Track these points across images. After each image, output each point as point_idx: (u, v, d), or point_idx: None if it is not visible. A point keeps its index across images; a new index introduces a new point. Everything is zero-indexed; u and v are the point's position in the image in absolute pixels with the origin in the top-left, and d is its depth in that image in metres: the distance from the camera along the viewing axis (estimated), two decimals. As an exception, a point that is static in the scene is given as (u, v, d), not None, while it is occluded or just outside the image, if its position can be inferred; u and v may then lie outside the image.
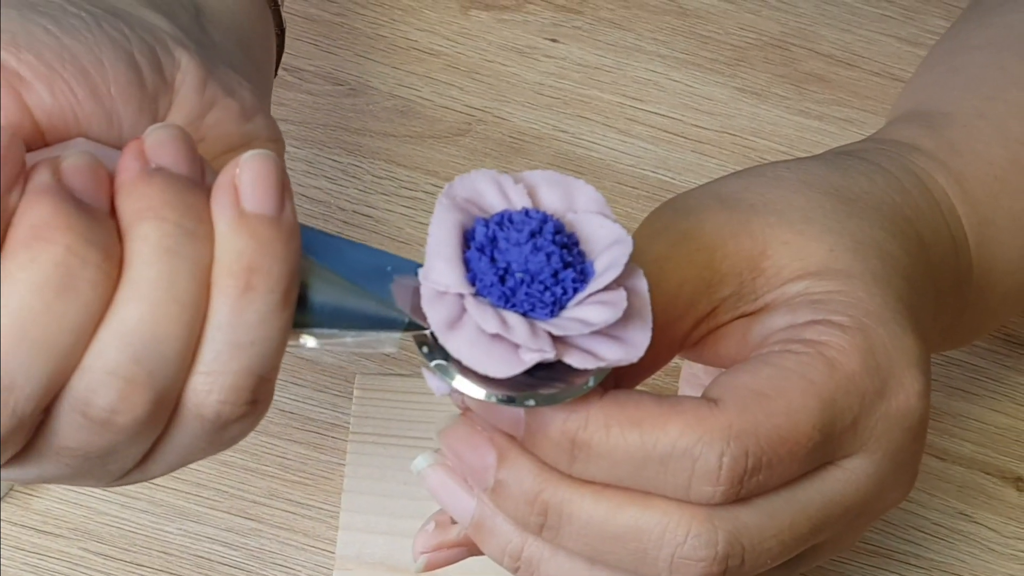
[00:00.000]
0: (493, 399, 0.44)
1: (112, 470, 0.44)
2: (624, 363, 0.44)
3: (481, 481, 0.47)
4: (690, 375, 0.65)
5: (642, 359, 0.50)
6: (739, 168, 0.80)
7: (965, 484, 0.74)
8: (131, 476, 0.45)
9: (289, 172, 0.78)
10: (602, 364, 0.44)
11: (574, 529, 0.46)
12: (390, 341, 0.44)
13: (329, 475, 0.73)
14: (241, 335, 0.41)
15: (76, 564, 0.71)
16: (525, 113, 0.82)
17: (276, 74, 0.63)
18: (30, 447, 0.42)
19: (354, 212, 0.79)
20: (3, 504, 0.72)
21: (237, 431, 0.44)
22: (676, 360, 0.73)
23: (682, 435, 0.45)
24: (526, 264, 0.44)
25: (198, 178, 0.43)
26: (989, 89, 0.63)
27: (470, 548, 0.51)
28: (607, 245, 0.45)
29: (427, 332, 0.44)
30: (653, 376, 0.54)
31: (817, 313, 0.49)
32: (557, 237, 0.44)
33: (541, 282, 0.44)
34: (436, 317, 0.43)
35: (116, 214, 0.41)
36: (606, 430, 0.45)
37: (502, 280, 0.44)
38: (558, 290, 0.44)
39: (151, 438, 0.43)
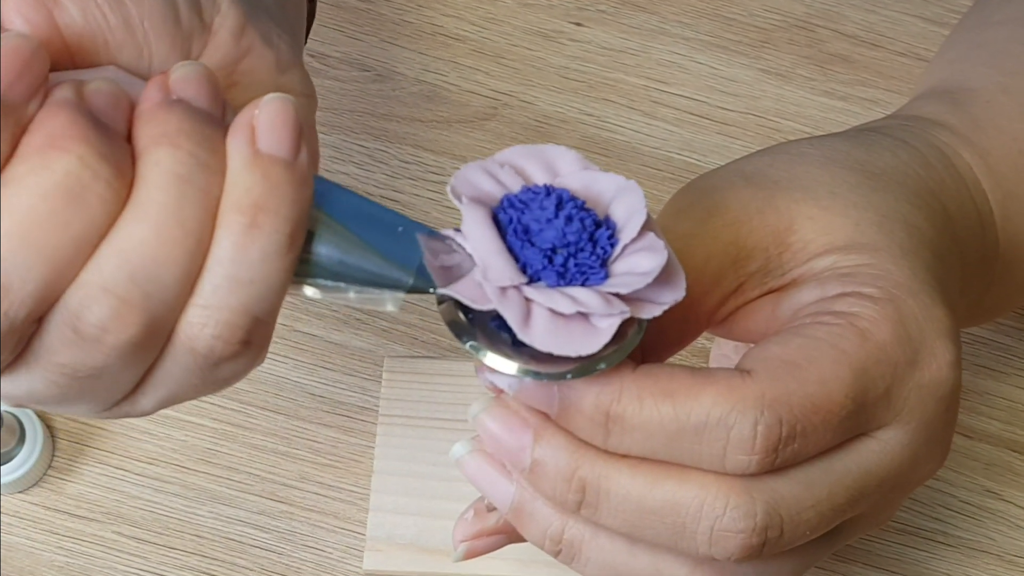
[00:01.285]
0: (531, 377, 0.44)
1: (102, 396, 0.43)
2: (677, 301, 0.44)
3: (518, 462, 0.47)
4: (720, 356, 0.65)
5: (668, 335, 0.50)
6: (776, 144, 0.81)
7: (992, 462, 0.74)
8: (122, 407, 0.45)
9: (317, 158, 0.79)
10: (664, 307, 0.44)
11: (612, 505, 0.46)
12: (393, 300, 0.44)
13: (359, 458, 0.74)
14: (241, 271, 0.41)
15: (109, 548, 0.72)
16: (551, 97, 0.82)
17: (307, 39, 0.63)
18: (21, 358, 0.42)
19: (381, 197, 0.79)
20: (37, 489, 0.73)
21: (229, 371, 0.44)
22: (705, 340, 0.73)
23: (716, 405, 0.45)
24: (565, 237, 0.44)
25: (218, 116, 0.43)
26: (1013, 64, 0.63)
27: (510, 535, 0.51)
28: (614, 195, 0.45)
29: (458, 318, 0.45)
30: (682, 356, 0.54)
31: (846, 286, 0.49)
32: (576, 201, 0.44)
33: (583, 249, 0.44)
34: (512, 316, 0.43)
35: (132, 142, 0.42)
36: (639, 402, 0.45)
37: (550, 260, 0.44)
38: (600, 251, 0.44)
39: (142, 365, 0.42)
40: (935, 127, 0.59)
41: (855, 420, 0.47)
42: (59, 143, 0.40)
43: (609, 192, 0.45)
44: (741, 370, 0.47)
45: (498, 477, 0.49)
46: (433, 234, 0.44)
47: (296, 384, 0.75)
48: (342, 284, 0.44)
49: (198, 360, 0.43)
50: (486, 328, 0.44)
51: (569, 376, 0.44)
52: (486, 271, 0.43)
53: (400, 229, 0.44)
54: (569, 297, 0.43)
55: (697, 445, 0.45)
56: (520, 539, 0.51)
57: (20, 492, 0.73)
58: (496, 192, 0.45)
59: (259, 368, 0.75)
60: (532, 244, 0.44)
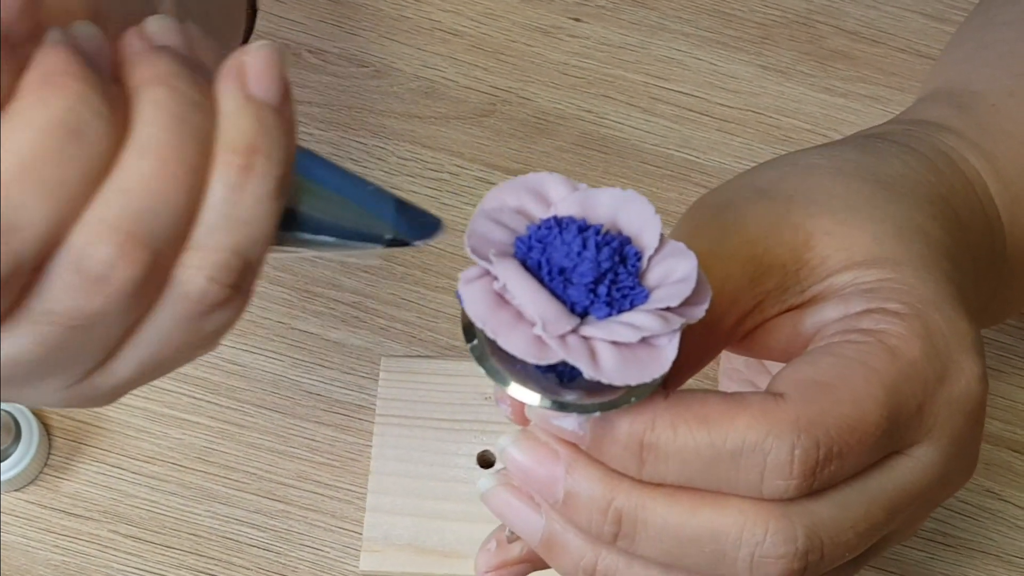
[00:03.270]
0: (558, 408, 0.43)
1: (83, 358, 0.43)
2: (703, 314, 0.44)
3: (550, 494, 0.46)
4: (730, 369, 0.65)
5: (688, 356, 0.48)
6: (764, 146, 0.81)
7: (992, 462, 0.74)
8: (95, 377, 0.44)
9: (314, 155, 0.79)
10: (704, 308, 0.44)
11: (650, 535, 0.46)
12: (371, 254, 0.45)
13: (356, 457, 0.74)
14: (236, 212, 0.41)
15: (106, 546, 0.72)
16: (549, 93, 0.82)
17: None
18: (11, 312, 0.41)
19: (379, 194, 0.79)
20: (33, 487, 0.73)
21: (217, 320, 0.43)
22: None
23: (751, 429, 0.44)
24: (600, 267, 0.43)
25: (198, 63, 0.43)
26: (1019, 66, 0.63)
27: (534, 563, 0.51)
28: (617, 208, 0.45)
29: (472, 344, 0.44)
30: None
31: (871, 302, 0.48)
32: (594, 227, 0.44)
33: (619, 272, 0.43)
34: (580, 360, 0.42)
35: (123, 84, 0.41)
36: (674, 430, 0.45)
37: (595, 293, 0.43)
38: (631, 269, 0.43)
39: (136, 313, 0.42)
40: (941, 131, 0.59)
41: (889, 439, 0.47)
42: (57, 80, 0.39)
43: (608, 207, 0.45)
44: (774, 393, 0.46)
45: (526, 510, 0.48)
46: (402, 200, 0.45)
47: (293, 382, 0.75)
48: (321, 236, 0.44)
49: (189, 306, 0.42)
50: (529, 370, 0.43)
51: (598, 413, 0.44)
52: (544, 324, 0.42)
53: (371, 188, 0.44)
54: (628, 325, 0.43)
55: (734, 471, 0.45)
56: (543, 566, 0.51)
57: (16, 490, 0.73)
58: (507, 239, 0.44)
59: (256, 366, 0.75)
60: (571, 283, 0.43)
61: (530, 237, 0.44)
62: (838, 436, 0.45)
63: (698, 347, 0.50)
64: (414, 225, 0.44)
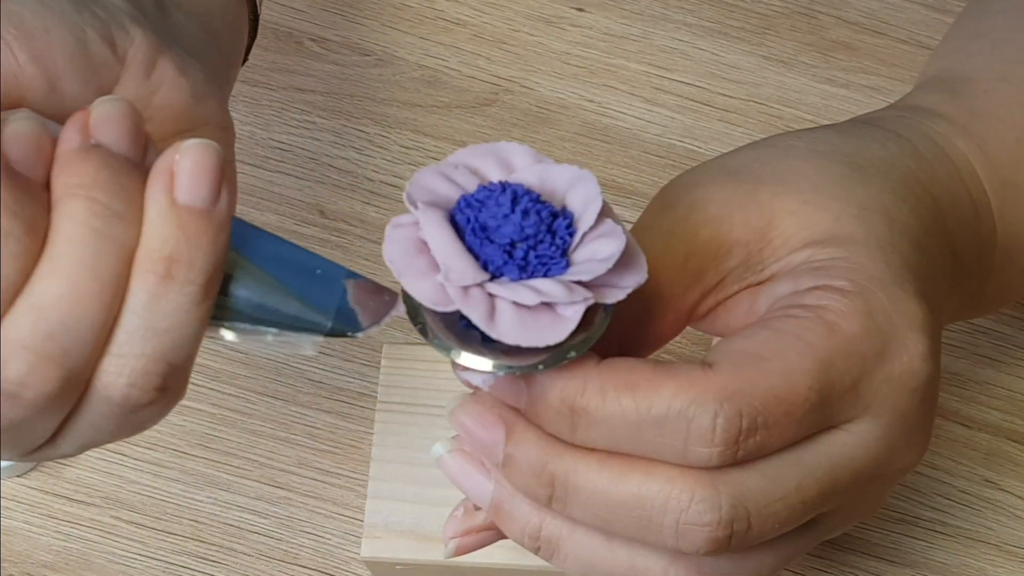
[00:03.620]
0: (504, 372, 0.44)
1: (22, 443, 0.43)
2: (640, 284, 0.45)
3: (492, 456, 0.47)
4: None
5: (649, 331, 0.50)
6: (766, 136, 0.81)
7: (991, 451, 0.74)
8: (43, 451, 0.45)
9: (317, 143, 0.79)
10: (627, 291, 0.44)
11: (581, 498, 0.47)
12: (311, 344, 0.44)
13: (357, 444, 0.74)
14: (156, 321, 0.41)
15: (108, 532, 0.72)
16: (551, 83, 0.82)
17: (246, 61, 0.63)
18: None
19: (381, 183, 0.79)
20: (35, 473, 0.73)
21: (146, 416, 0.44)
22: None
23: (676, 397, 0.45)
24: (523, 231, 0.44)
25: (138, 158, 0.43)
26: (1013, 52, 0.63)
27: (498, 532, 0.52)
28: (569, 185, 0.46)
29: (427, 321, 0.45)
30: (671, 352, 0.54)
31: (818, 279, 0.49)
32: (531, 195, 0.45)
33: (542, 241, 0.44)
34: (476, 314, 0.43)
35: (50, 189, 0.41)
36: (602, 395, 0.45)
37: (510, 255, 0.44)
38: (559, 241, 0.44)
39: (59, 416, 0.42)
40: (931, 117, 0.59)
41: (821, 413, 0.47)
42: None
43: (564, 183, 0.46)
44: (704, 363, 0.47)
45: (477, 475, 0.49)
46: (354, 276, 0.45)
47: (295, 370, 0.75)
48: (260, 327, 0.44)
49: (114, 408, 0.43)
50: (456, 328, 0.45)
51: (541, 367, 0.44)
52: (447, 272, 0.43)
53: (319, 271, 0.44)
54: (532, 289, 0.44)
55: (659, 437, 0.45)
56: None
57: (18, 476, 0.73)
58: (453, 194, 0.45)
59: (258, 354, 0.75)
60: (491, 241, 0.44)
61: (473, 197, 0.45)
62: (763, 407, 0.45)
63: (660, 323, 0.50)
64: (365, 307, 0.44)
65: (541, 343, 0.43)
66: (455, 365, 0.46)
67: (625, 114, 0.81)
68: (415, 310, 0.44)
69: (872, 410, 0.48)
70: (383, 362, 0.72)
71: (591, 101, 0.82)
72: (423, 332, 0.44)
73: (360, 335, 0.44)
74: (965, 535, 0.73)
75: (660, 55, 0.83)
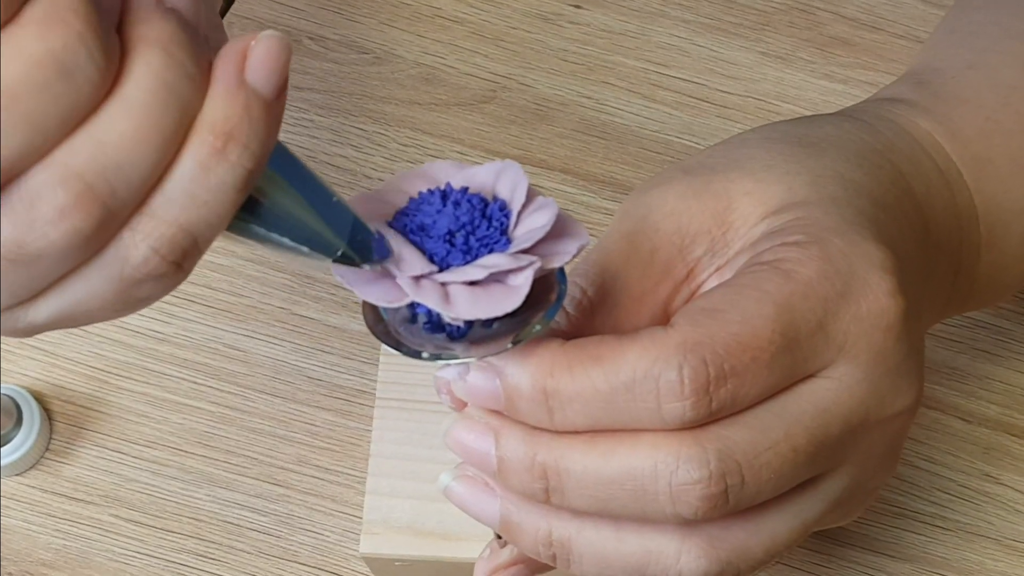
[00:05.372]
0: (475, 358, 0.46)
1: (7, 293, 0.43)
2: (583, 246, 0.46)
3: (488, 465, 0.48)
4: None
5: (627, 330, 0.50)
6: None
7: (990, 446, 0.74)
8: (15, 312, 0.44)
9: (315, 141, 0.79)
10: (571, 255, 0.46)
11: (575, 483, 0.47)
12: (320, 265, 0.45)
13: (356, 441, 0.74)
14: (198, 193, 0.41)
15: (107, 530, 0.72)
16: (550, 80, 0.82)
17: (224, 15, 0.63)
18: None
19: (380, 180, 0.79)
20: (34, 471, 0.73)
21: (147, 291, 0.43)
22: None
23: (640, 359, 0.46)
24: (458, 220, 0.46)
25: (203, 36, 0.43)
26: (983, 43, 0.64)
27: (527, 564, 0.53)
28: (495, 177, 0.47)
29: (389, 330, 0.47)
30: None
31: (774, 240, 0.50)
32: (460, 190, 0.46)
33: (479, 226, 0.46)
34: (430, 299, 0.45)
35: (122, 37, 0.41)
36: (570, 372, 0.46)
37: (451, 244, 0.46)
38: (497, 224, 0.46)
39: (72, 262, 0.42)
40: (894, 103, 0.60)
41: (790, 357, 0.47)
42: (60, 15, 0.39)
43: (491, 177, 0.47)
44: (665, 326, 0.47)
45: (484, 496, 0.50)
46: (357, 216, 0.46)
47: (294, 367, 0.75)
48: (275, 236, 0.44)
49: (126, 270, 0.42)
50: (421, 335, 0.47)
51: (510, 345, 0.45)
52: (399, 263, 0.45)
53: (335, 199, 0.45)
54: (478, 265, 0.45)
55: (632, 403, 0.46)
56: (537, 567, 0.53)
57: (17, 475, 0.73)
58: (389, 212, 0.47)
59: (257, 351, 0.75)
60: (431, 237, 0.46)
61: (407, 207, 0.47)
62: (727, 353, 0.46)
63: (637, 320, 0.51)
64: (365, 247, 0.45)
65: (499, 311, 0.45)
66: (439, 386, 0.49)
67: (623, 111, 0.81)
68: (378, 323, 0.47)
69: (847, 352, 0.48)
70: (382, 359, 0.72)
71: (589, 98, 0.82)
72: (390, 342, 0.46)
73: (366, 267, 0.45)
74: (964, 529, 0.73)
75: (658, 51, 0.83)
